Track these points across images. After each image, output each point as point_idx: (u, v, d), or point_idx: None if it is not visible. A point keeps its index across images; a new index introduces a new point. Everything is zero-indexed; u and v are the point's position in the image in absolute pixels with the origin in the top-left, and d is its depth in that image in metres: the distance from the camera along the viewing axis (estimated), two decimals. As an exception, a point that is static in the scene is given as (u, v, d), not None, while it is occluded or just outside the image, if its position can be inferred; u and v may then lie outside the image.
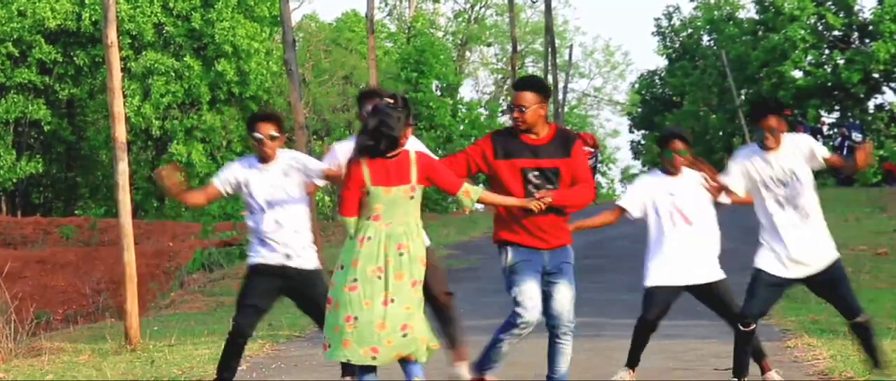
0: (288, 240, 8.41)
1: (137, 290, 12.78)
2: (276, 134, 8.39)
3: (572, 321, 7.91)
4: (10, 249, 25.69)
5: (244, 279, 8.67)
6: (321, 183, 8.56)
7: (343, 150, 8.58)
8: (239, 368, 9.14)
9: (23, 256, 24.04)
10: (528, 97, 7.87)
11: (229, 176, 8.53)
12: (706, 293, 8.82)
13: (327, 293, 7.52)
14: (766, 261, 8.28)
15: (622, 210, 8.75)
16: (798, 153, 8.27)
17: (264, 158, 8.45)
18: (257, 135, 8.39)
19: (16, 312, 13.12)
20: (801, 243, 8.25)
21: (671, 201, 8.72)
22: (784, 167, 8.25)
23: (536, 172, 7.82)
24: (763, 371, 8.81)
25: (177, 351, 11.95)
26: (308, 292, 8.46)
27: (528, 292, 7.78)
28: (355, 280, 7.34)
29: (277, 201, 8.39)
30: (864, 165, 8.34)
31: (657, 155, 8.98)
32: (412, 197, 7.46)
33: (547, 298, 7.87)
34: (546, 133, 7.91)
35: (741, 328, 8.28)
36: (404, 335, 7.34)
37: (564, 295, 7.87)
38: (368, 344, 7.30)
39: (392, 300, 7.34)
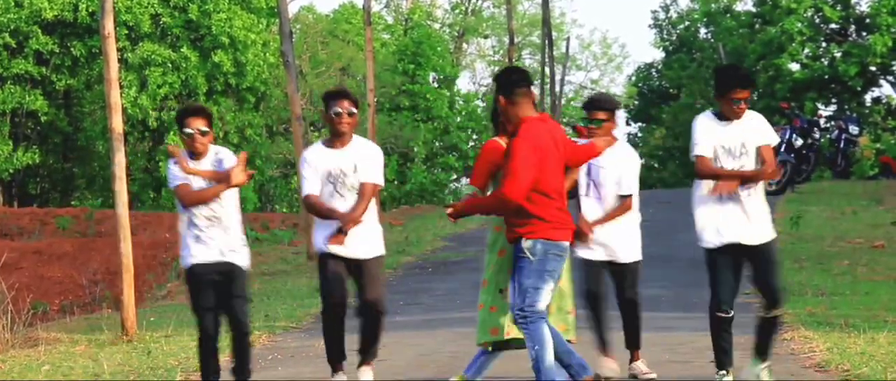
0: (220, 236, 8.38)
1: (134, 281, 12.78)
2: (206, 129, 8.40)
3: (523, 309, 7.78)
4: (6, 239, 25.65)
5: (187, 285, 8.61)
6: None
7: (312, 155, 8.75)
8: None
9: (19, 246, 24.01)
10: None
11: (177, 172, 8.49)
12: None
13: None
14: (710, 236, 8.21)
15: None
16: (756, 129, 8.23)
17: (195, 154, 8.45)
18: (188, 130, 8.39)
19: (12, 302, 13.13)
20: (737, 215, 8.15)
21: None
22: (735, 139, 8.20)
23: None
24: (632, 360, 9.07)
25: (173, 342, 11.96)
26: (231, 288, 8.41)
27: None
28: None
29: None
30: (768, 176, 8.31)
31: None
32: None
33: None
34: None
35: (719, 314, 8.21)
36: None
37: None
38: None
39: None
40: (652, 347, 9.86)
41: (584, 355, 7.98)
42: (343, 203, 8.59)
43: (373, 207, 8.66)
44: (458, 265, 17.91)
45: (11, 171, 37.41)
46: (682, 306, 10.25)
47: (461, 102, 46.18)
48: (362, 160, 8.65)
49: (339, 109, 8.63)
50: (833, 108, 41.37)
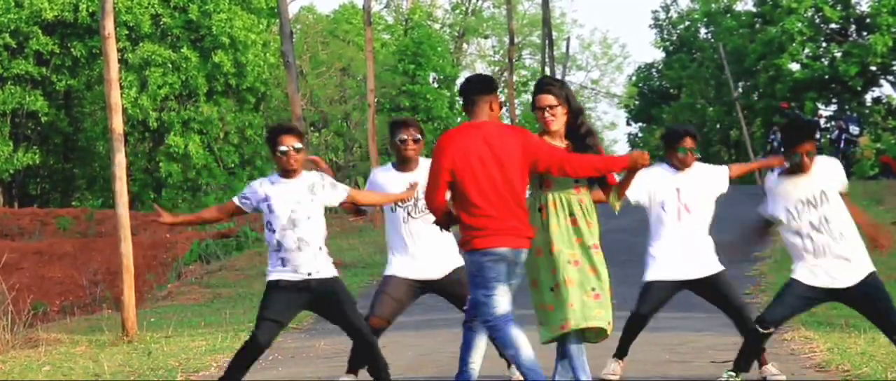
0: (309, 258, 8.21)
1: (134, 281, 12.79)
2: (300, 146, 8.19)
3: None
4: (6, 240, 25.66)
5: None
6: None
7: (381, 177, 8.89)
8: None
9: (20, 247, 24.02)
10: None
11: (249, 193, 8.35)
12: (707, 287, 8.83)
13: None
14: (802, 273, 8.27)
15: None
16: (827, 173, 8.34)
17: (288, 172, 8.30)
18: (282, 147, 8.16)
19: (13, 303, 13.12)
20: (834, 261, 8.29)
21: (677, 196, 8.77)
22: (812, 189, 8.28)
23: None
24: (761, 365, 8.82)
25: (173, 343, 11.96)
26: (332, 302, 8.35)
27: None
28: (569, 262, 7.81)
29: (299, 218, 8.19)
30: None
31: (661, 149, 9.01)
32: None
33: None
34: None
35: (760, 329, 8.25)
36: None
37: None
38: None
39: None
40: (652, 347, 9.87)
41: (590, 355, 7.95)
42: (417, 226, 8.67)
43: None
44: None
45: (12, 171, 37.41)
46: (681, 307, 10.24)
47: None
48: None
49: (405, 137, 8.72)
50: (833, 108, 41.34)
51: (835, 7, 40.48)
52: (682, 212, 8.78)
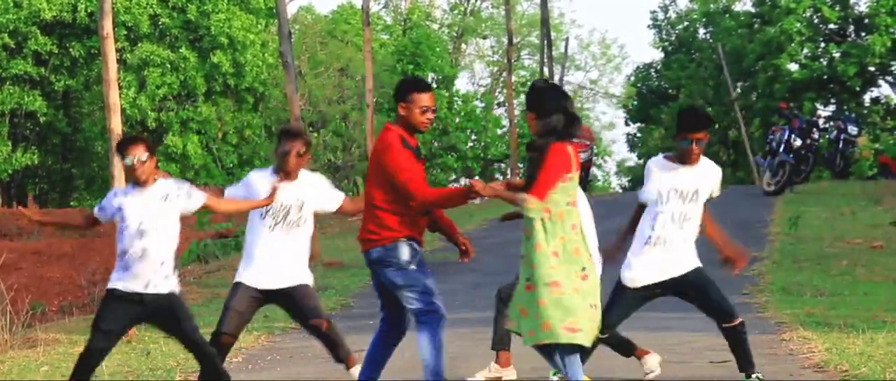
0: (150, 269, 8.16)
1: (133, 281, 12.75)
2: (145, 157, 8.08)
3: None
4: (5, 240, 25.64)
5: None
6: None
7: (256, 178, 8.75)
8: (234, 359, 9.15)
9: (18, 247, 24.01)
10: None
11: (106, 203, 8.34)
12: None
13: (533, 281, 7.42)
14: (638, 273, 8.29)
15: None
16: (708, 176, 8.31)
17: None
18: (128, 159, 8.09)
19: (11, 303, 13.11)
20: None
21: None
22: (689, 183, 8.26)
23: None
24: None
25: (172, 343, 11.91)
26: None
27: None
28: (584, 269, 7.45)
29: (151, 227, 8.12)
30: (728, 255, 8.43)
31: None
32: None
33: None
34: None
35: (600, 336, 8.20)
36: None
37: None
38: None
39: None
40: (651, 347, 9.87)
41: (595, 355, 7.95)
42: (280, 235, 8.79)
43: None
44: (456, 266, 17.90)
45: (10, 171, 37.42)
46: (681, 307, 10.23)
47: (460, 103, 46.16)
48: None
49: (287, 148, 8.67)
50: (832, 108, 41.34)
51: (833, 7, 40.49)
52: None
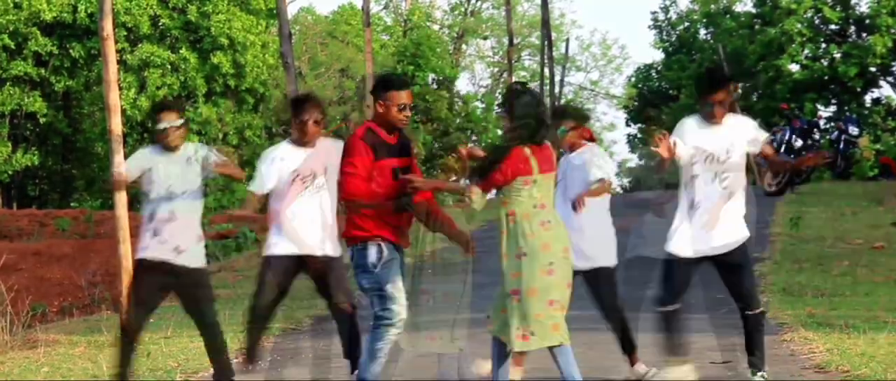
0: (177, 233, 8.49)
1: (133, 282, 12.73)
2: (179, 122, 8.49)
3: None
4: (5, 241, 25.61)
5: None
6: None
7: (279, 153, 8.95)
8: (234, 360, 9.13)
9: (19, 248, 23.97)
10: None
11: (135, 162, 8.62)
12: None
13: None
14: (679, 244, 8.19)
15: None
16: (740, 132, 8.23)
17: (169, 147, 8.57)
18: (162, 124, 8.46)
19: (11, 304, 13.11)
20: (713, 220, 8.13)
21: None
22: (721, 142, 8.19)
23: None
24: (632, 364, 8.93)
25: (172, 343, 11.93)
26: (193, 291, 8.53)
27: (402, 288, 8.12)
28: (552, 263, 7.58)
29: (178, 189, 8.47)
30: (803, 165, 8.42)
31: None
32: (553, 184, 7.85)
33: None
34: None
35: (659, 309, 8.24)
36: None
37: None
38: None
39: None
40: (652, 347, 9.84)
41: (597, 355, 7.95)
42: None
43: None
44: (457, 267, 17.89)
45: (11, 172, 37.41)
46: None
47: (460, 104, 46.17)
48: None
49: (306, 117, 8.98)
50: (833, 109, 41.33)
51: (834, 8, 40.48)
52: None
